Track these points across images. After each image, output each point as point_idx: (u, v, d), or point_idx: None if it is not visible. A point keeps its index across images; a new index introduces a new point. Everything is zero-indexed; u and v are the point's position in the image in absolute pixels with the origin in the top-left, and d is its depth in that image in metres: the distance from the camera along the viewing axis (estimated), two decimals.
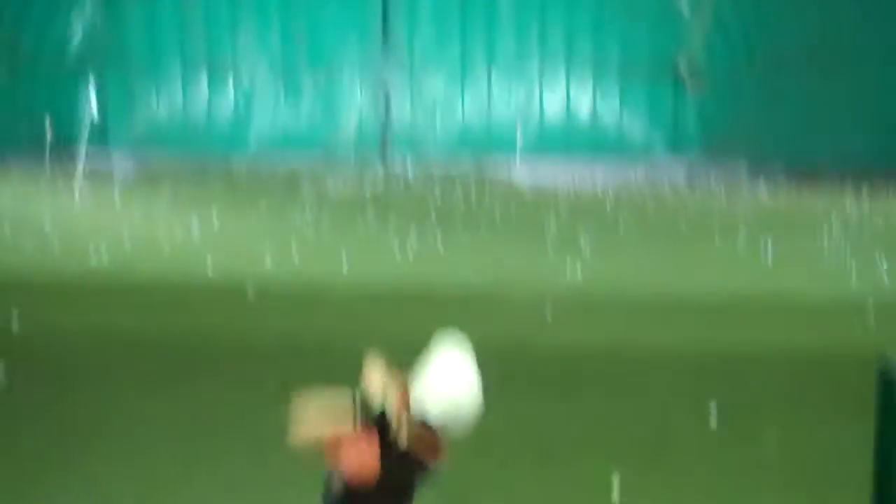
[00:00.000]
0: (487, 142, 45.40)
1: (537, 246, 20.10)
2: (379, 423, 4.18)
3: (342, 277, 16.45)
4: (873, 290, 15.88)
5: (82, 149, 30.20)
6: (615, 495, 7.23)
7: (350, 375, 9.99)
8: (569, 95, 47.89)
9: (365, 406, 4.19)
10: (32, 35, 41.96)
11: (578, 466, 7.91)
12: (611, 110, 48.17)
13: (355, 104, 46.50)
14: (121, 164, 37.02)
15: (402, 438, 4.12)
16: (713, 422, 9.00)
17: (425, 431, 4.15)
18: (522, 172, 38.01)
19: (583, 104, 48.00)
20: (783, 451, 8.32)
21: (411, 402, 4.18)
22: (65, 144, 36.97)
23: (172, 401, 9.23)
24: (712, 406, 9.24)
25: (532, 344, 12.15)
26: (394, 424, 4.08)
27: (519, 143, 40.51)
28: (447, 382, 4.17)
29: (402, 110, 46.84)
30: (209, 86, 47.19)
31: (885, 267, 18.05)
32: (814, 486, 7.54)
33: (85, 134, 29.89)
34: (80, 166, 29.05)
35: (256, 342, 11.78)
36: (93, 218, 23.07)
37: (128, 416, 8.86)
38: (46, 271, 16.24)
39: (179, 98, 47.00)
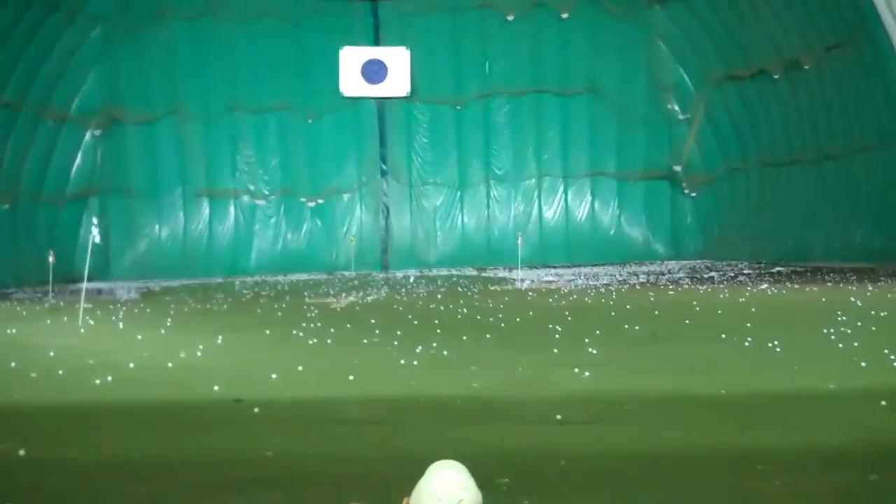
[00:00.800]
0: (488, 254, 45.74)
1: (543, 350, 20.04)
2: None
3: (348, 389, 16.37)
4: (884, 382, 15.77)
5: (85, 278, 30.30)
6: None
7: (359, 490, 9.94)
8: (567, 204, 48.36)
9: None
10: (34, 166, 42.49)
11: None
12: (609, 217, 48.60)
13: (356, 225, 46.98)
14: (123, 290, 37.15)
15: None
16: None
17: None
18: (525, 281, 38.08)
19: (581, 212, 48.44)
20: None
21: None
22: (67, 275, 37.15)
23: None
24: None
25: (544, 447, 12.02)
26: None
27: (520, 254, 40.90)
28: (445, 484, 4.15)
29: (402, 228, 47.32)
30: (210, 213, 47.72)
31: (893, 357, 17.95)
32: None
33: (87, 264, 30.02)
34: (83, 295, 29.11)
35: (264, 459, 11.65)
36: (97, 343, 23.05)
37: None
38: (53, 398, 16.15)
39: (181, 226, 47.50)
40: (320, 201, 46.63)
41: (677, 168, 47.98)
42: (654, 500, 9.56)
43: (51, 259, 33.42)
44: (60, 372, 18.86)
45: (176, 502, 9.84)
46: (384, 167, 47.51)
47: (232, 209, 46.53)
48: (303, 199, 46.58)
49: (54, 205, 42.90)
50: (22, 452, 11.69)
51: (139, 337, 23.81)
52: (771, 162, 43.91)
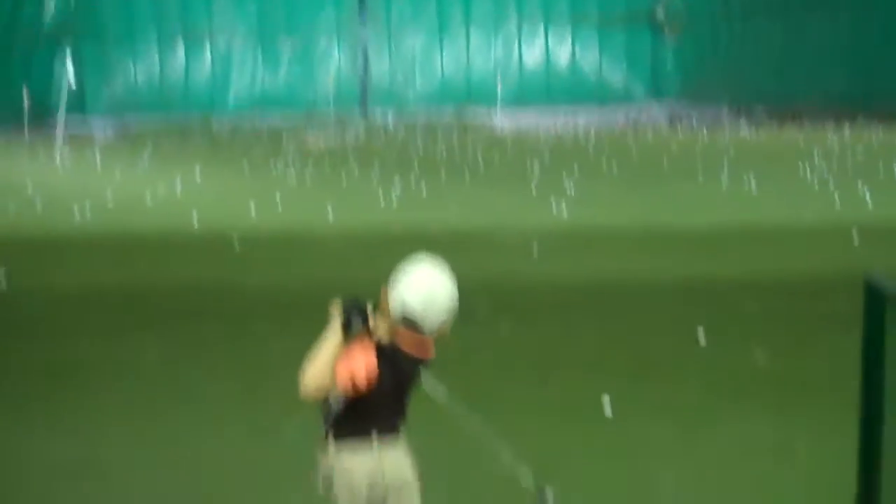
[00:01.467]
0: (467, 95, 45.28)
1: (521, 188, 20.10)
2: (366, 332, 4.20)
3: (327, 225, 16.45)
4: (856, 215, 15.96)
5: (61, 116, 30.02)
6: (608, 411, 7.28)
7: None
8: (547, 46, 47.73)
9: (350, 319, 4.20)
10: (7, 7, 41.55)
11: (572, 386, 7.96)
12: (590, 59, 48.04)
13: (333, 64, 46.30)
14: (100, 128, 36.88)
15: (384, 333, 4.19)
16: (701, 343, 9.04)
17: (408, 328, 4.19)
18: (504, 121, 37.95)
19: (561, 54, 47.85)
20: (771, 370, 8.36)
21: (390, 302, 4.24)
22: (43, 114, 36.75)
23: (161, 347, 9.21)
24: (700, 328, 9.28)
25: (521, 278, 12.18)
26: (372, 323, 4.13)
27: (499, 95, 40.42)
28: (422, 280, 4.22)
29: (380, 68, 46.71)
30: (186, 52, 46.88)
31: (866, 193, 18.13)
32: (800, 401, 7.57)
33: (63, 102, 29.69)
34: (60, 132, 28.89)
35: (244, 290, 11.77)
36: (74, 179, 22.99)
37: (116, 363, 8.84)
38: (31, 230, 16.19)
39: (156, 65, 46.70)
40: (298, 42, 45.93)
41: (659, 12, 47.40)
42: (629, 325, 9.76)
43: (25, 97, 33.02)
44: (39, 206, 18.87)
45: (162, 328, 9.97)
46: (363, 8, 46.69)
47: (208, 49, 45.84)
48: (281, 40, 45.87)
49: (29, 44, 42.10)
50: (2, 283, 11.79)
51: (117, 173, 23.75)
52: (752, 8, 43.41)
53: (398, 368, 4.21)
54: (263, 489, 5.99)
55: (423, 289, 4.22)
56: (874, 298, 4.45)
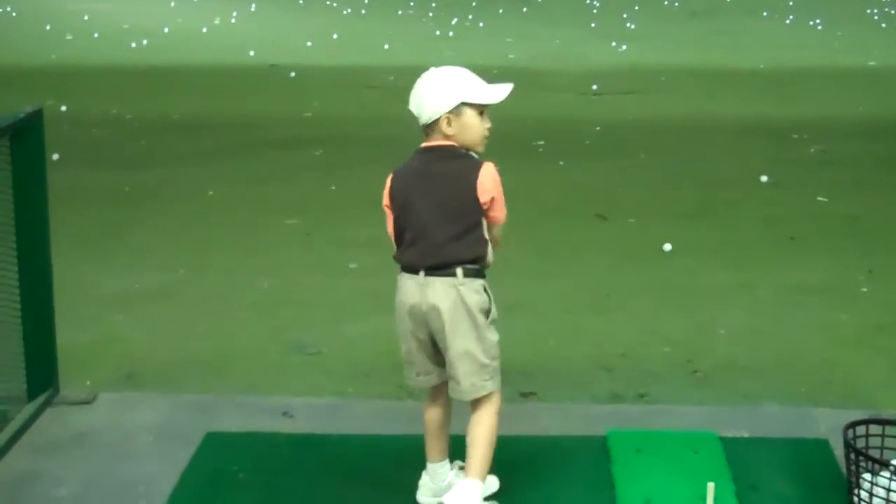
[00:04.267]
0: None
1: (581, 24, 19.77)
2: None
3: (383, 57, 16.32)
4: None
5: None
6: (667, 248, 7.28)
7: (390, 150, 10.07)
8: None
9: None
10: None
11: (631, 224, 7.94)
12: None
13: None
14: None
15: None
16: (762, 182, 8.96)
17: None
18: None
19: None
20: (830, 211, 8.29)
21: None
22: None
23: (219, 176, 9.28)
24: (761, 169, 9.19)
25: (581, 114, 12.09)
26: None
27: None
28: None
29: None
30: None
31: None
32: (859, 244, 7.50)
33: None
34: None
35: (303, 120, 11.79)
36: (130, 8, 22.86)
37: (176, 189, 8.94)
38: (90, 60, 16.20)
39: None
40: None
41: None
42: (689, 165, 9.68)
43: None
44: (96, 35, 18.85)
45: (221, 156, 10.03)
46: None
47: None
48: None
49: None
50: (64, 108, 11.84)
51: (172, 3, 23.59)
52: None
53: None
54: (326, 321, 6.09)
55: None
56: None
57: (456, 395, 3.80)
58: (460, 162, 3.71)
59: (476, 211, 3.68)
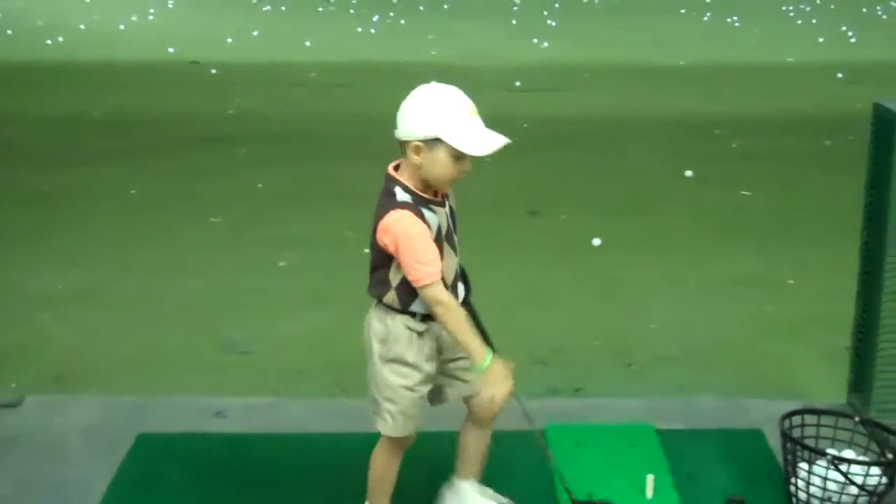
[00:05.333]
0: None
1: (502, 22, 19.83)
2: None
3: (305, 54, 16.21)
4: (841, 55, 15.87)
5: None
6: (597, 240, 7.31)
7: (316, 147, 10.02)
8: None
9: None
10: None
11: (561, 219, 7.97)
12: None
13: None
14: None
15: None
16: (688, 177, 9.04)
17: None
18: None
19: None
20: (756, 205, 8.39)
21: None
22: None
23: (142, 175, 9.13)
24: (687, 164, 9.29)
25: (507, 111, 12.09)
26: None
27: None
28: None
29: None
30: None
31: (850, 33, 17.99)
32: (784, 237, 7.61)
33: None
34: None
35: (227, 118, 11.65)
36: (44, 4, 22.43)
37: (105, 190, 8.76)
38: (4, 57, 15.85)
39: None
40: None
41: None
42: (617, 159, 9.74)
43: None
44: (9, 32, 18.47)
45: (143, 154, 9.87)
46: None
47: None
48: None
49: None
50: None
51: (87, 0, 23.20)
52: None
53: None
54: (258, 320, 6.02)
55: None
56: (883, 121, 4.44)
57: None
58: (384, 199, 3.38)
59: (379, 251, 3.39)
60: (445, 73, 13.83)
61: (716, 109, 12.11)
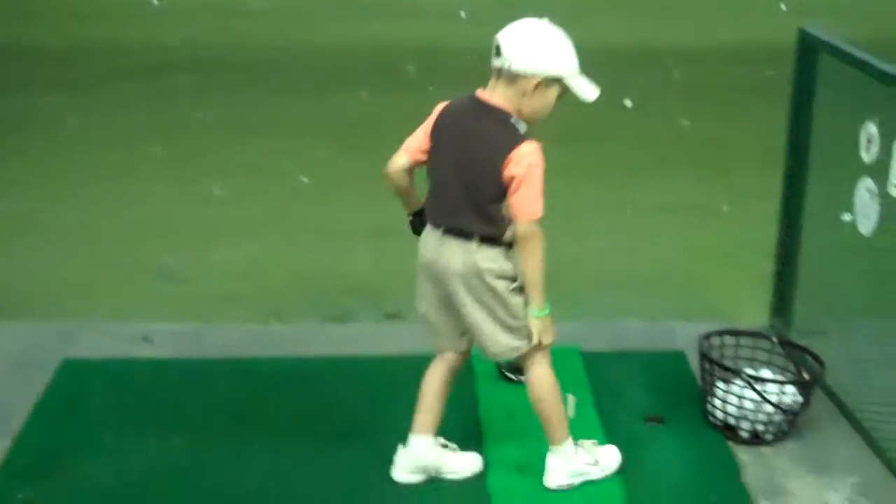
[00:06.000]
0: None
1: None
2: None
3: None
4: None
5: None
6: None
7: (259, 78, 9.90)
8: None
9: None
10: None
11: None
12: None
13: None
14: None
15: None
16: (628, 107, 9.06)
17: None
18: None
19: None
20: (695, 134, 8.42)
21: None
22: None
23: (81, 105, 8.99)
24: (627, 93, 9.30)
25: (451, 43, 12.00)
26: None
27: None
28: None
29: None
30: None
31: None
32: (722, 165, 7.64)
33: None
34: None
35: (171, 47, 11.48)
36: None
37: (35, 117, 8.64)
38: None
39: None
40: None
41: None
42: None
43: None
44: None
45: (83, 84, 9.71)
46: None
47: None
48: None
49: None
50: None
51: None
52: None
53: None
54: (193, 248, 6.01)
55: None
56: (807, 47, 4.49)
57: (487, 359, 3.67)
58: (502, 131, 3.41)
59: (495, 187, 3.39)
60: (391, 4, 13.76)
61: (657, 39, 12.08)
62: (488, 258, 3.46)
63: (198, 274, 5.62)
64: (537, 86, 3.38)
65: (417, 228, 3.72)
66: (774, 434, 3.98)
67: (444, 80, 10.07)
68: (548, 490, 3.64)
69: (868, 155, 3.96)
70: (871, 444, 3.97)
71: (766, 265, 5.05)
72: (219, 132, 8.24)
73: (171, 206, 6.67)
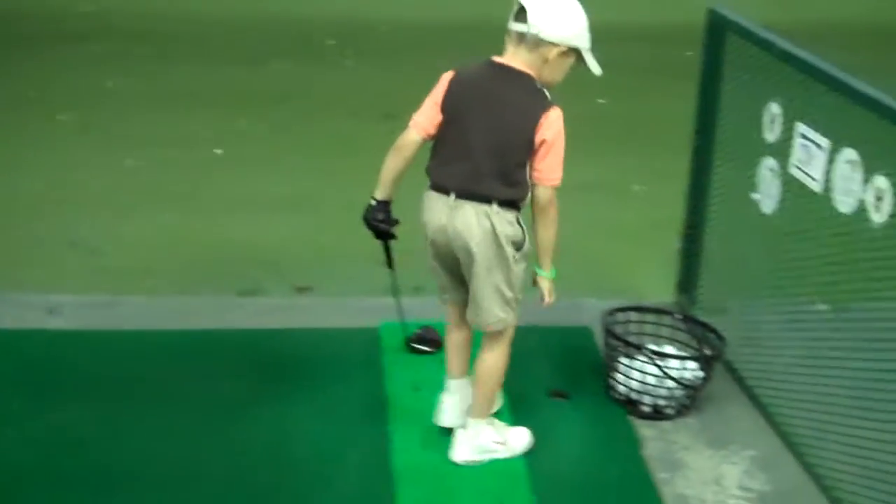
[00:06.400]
0: None
1: None
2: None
3: None
4: None
5: None
6: None
7: (172, 47, 9.76)
8: None
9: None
10: None
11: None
12: None
13: None
14: None
15: None
16: None
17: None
18: None
19: None
20: (609, 112, 8.50)
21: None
22: None
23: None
24: None
25: (363, 15, 11.95)
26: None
27: None
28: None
29: None
30: None
31: None
32: (636, 143, 7.73)
33: None
34: None
35: (76, 15, 11.26)
36: None
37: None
38: None
39: None
40: None
41: None
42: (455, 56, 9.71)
43: None
44: None
45: (3, 49, 9.51)
46: None
47: None
48: None
49: None
50: None
51: None
52: None
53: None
54: (105, 219, 5.94)
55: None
56: (715, 26, 4.56)
57: (474, 322, 3.67)
58: (532, 96, 3.49)
59: (524, 152, 3.48)
60: None
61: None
62: (505, 221, 3.53)
63: (109, 245, 5.55)
64: (561, 53, 3.48)
65: (376, 217, 3.80)
66: (675, 409, 4.05)
67: (363, 54, 10.10)
68: (454, 464, 3.68)
69: (771, 134, 4.04)
70: (768, 418, 4.07)
71: (674, 244, 5.13)
72: (133, 102, 8.14)
73: (82, 176, 6.57)
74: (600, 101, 8.73)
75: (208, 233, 5.80)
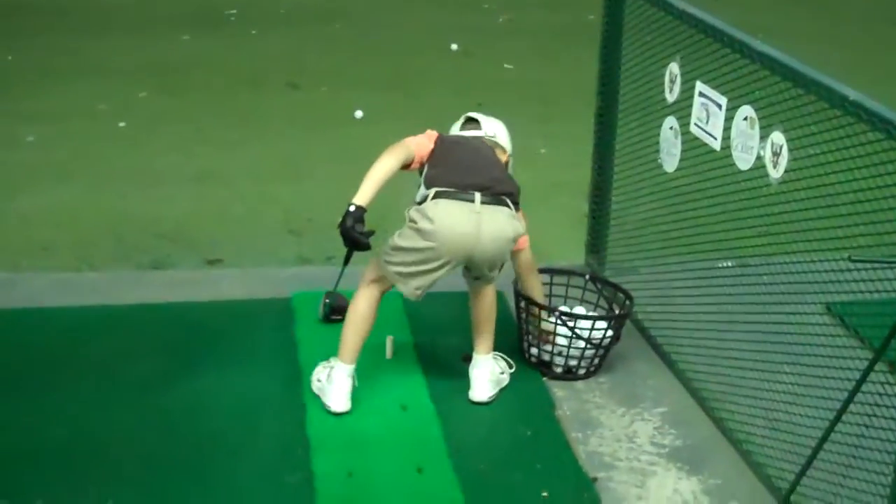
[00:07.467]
0: None
1: None
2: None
3: None
4: None
5: None
6: (360, 112, 7.32)
7: (71, 20, 9.56)
8: None
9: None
10: None
11: (324, 88, 7.91)
12: None
13: None
14: None
15: None
16: (456, 49, 9.11)
17: None
18: None
19: None
20: (517, 78, 8.52)
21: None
22: None
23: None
24: (456, 35, 9.34)
25: None
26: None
27: None
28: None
29: None
30: None
31: None
32: (542, 108, 7.77)
33: None
34: None
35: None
36: None
37: None
38: None
39: None
40: None
41: None
42: (385, 32, 9.67)
43: None
44: None
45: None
46: None
47: None
48: None
49: None
50: None
51: None
52: None
53: None
54: (2, 194, 5.80)
55: None
56: None
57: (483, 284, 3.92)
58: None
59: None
60: None
61: None
62: (516, 218, 3.93)
63: (7, 221, 5.44)
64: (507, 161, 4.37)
65: (356, 227, 3.82)
66: (587, 369, 4.11)
67: (265, 24, 9.98)
68: (369, 432, 3.69)
69: (671, 95, 4.08)
70: (678, 375, 4.14)
71: (582, 205, 5.18)
72: (32, 75, 7.97)
73: None
74: (507, 66, 8.76)
75: (112, 208, 5.72)
